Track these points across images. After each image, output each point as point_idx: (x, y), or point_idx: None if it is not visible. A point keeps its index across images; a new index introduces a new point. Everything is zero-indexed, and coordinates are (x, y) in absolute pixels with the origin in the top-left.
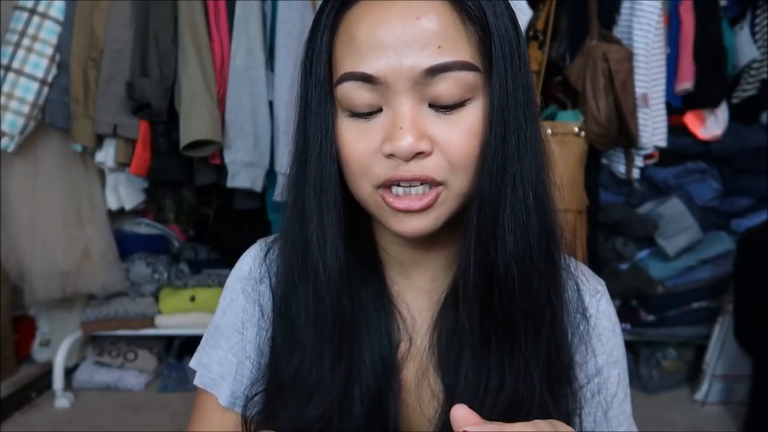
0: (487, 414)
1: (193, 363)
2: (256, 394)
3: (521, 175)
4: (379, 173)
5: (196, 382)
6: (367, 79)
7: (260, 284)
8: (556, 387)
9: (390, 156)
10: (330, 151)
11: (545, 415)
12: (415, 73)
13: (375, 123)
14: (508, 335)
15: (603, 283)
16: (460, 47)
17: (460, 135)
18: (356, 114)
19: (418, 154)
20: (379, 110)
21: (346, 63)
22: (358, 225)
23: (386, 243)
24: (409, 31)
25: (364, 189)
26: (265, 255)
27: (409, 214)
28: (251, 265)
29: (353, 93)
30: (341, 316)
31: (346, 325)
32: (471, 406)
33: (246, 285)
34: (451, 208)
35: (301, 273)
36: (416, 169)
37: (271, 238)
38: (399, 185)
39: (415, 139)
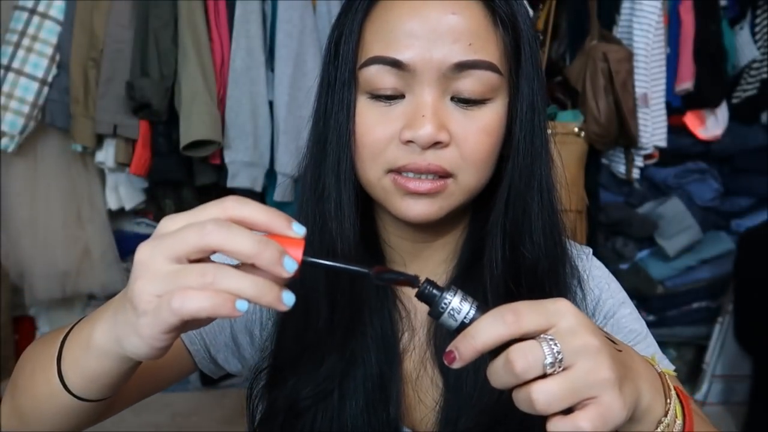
0: (491, 403)
1: None
2: (262, 369)
3: (546, 172)
4: (392, 159)
5: None
6: (396, 64)
7: None
8: None
9: (408, 143)
10: (349, 133)
11: None
12: (444, 65)
13: (396, 109)
14: None
15: (588, 249)
16: (488, 48)
17: (476, 131)
18: (377, 96)
19: (435, 144)
20: (401, 96)
21: (375, 47)
22: (364, 218)
23: (388, 235)
24: (443, 25)
25: (373, 173)
26: None
27: (416, 198)
28: None
29: (378, 77)
30: (352, 295)
31: (354, 306)
32: (472, 396)
33: None
34: (456, 202)
35: (318, 247)
36: (431, 158)
37: None
38: (410, 173)
39: (436, 129)
